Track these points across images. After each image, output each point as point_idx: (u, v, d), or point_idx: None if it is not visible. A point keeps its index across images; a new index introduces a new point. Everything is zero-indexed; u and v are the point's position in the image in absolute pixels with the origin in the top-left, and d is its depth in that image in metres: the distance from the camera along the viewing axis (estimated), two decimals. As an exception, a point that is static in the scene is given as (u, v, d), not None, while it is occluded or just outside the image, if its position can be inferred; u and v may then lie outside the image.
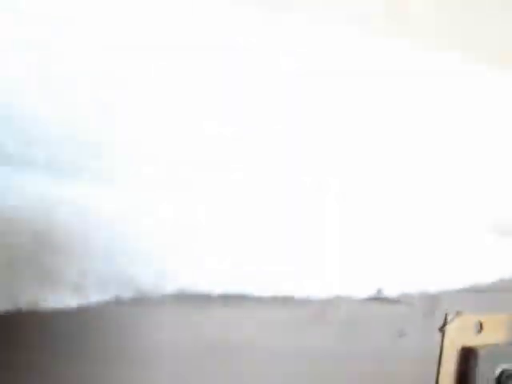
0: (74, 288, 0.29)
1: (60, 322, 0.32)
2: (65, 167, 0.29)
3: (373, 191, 0.33)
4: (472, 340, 0.41)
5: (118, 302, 0.32)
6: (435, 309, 0.40)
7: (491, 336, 0.41)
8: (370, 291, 0.33)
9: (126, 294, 0.31)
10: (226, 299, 0.35)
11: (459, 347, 0.40)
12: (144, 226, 0.29)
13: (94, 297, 0.30)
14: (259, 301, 0.36)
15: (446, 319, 0.40)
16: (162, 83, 0.29)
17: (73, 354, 0.33)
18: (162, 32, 0.29)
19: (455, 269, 0.36)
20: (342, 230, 0.32)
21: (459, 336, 0.40)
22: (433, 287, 0.35)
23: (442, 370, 0.40)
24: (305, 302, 0.37)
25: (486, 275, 0.38)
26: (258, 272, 0.30)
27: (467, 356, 0.40)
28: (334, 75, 0.32)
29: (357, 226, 0.33)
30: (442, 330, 0.40)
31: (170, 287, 0.29)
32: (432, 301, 0.39)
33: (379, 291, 0.33)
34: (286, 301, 0.36)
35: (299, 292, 0.31)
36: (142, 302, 0.34)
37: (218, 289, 0.30)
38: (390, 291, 0.33)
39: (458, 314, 0.40)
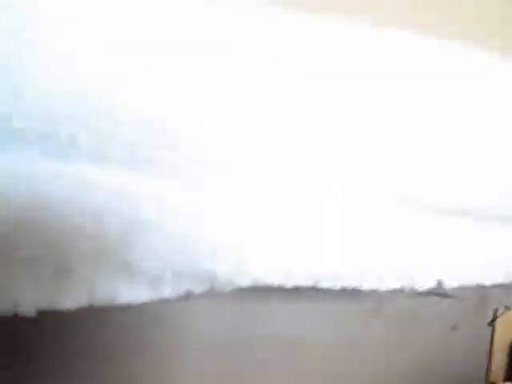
0: (151, 282, 0.30)
1: (107, 319, 0.33)
2: (143, 162, 0.29)
3: (428, 187, 0.34)
4: (521, 334, 0.42)
5: (186, 297, 0.33)
6: (485, 304, 0.40)
7: (539, 330, 0.42)
8: (430, 283, 0.34)
9: (198, 288, 0.31)
10: (287, 295, 0.36)
11: (508, 341, 0.41)
12: (221, 220, 0.29)
13: (167, 291, 0.31)
14: (318, 296, 0.37)
15: (495, 314, 0.40)
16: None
17: (126, 349, 0.33)
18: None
19: (506, 264, 0.37)
20: (404, 225, 0.33)
21: (508, 330, 0.41)
22: (487, 280, 0.36)
23: (493, 363, 0.41)
24: (363, 296, 0.38)
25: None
26: (328, 267, 0.31)
27: (516, 350, 0.41)
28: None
29: (419, 223, 0.34)
30: (491, 324, 0.40)
31: (245, 280, 0.30)
32: (482, 296, 0.40)
33: (439, 283, 0.34)
34: (345, 295, 0.37)
35: (366, 284, 0.32)
36: (203, 297, 0.34)
37: (290, 281, 0.30)
38: (449, 283, 0.34)
39: (507, 309, 0.41)
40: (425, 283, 0.34)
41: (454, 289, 0.39)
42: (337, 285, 0.31)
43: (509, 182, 0.35)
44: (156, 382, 0.34)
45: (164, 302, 0.33)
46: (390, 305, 0.38)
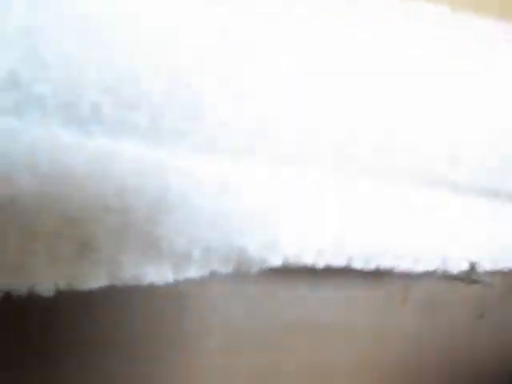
0: (177, 260, 0.29)
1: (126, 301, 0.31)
2: (168, 134, 0.28)
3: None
4: (548, 322, 0.40)
5: (211, 278, 0.31)
6: (512, 290, 0.39)
7: None
8: (463, 266, 0.32)
9: (225, 268, 0.30)
10: (313, 281, 0.35)
11: (536, 329, 0.40)
12: (253, 196, 0.28)
13: (193, 271, 0.30)
14: (344, 282, 0.35)
15: (523, 301, 0.39)
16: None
17: (146, 332, 0.32)
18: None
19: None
20: (438, 206, 0.32)
21: (536, 318, 0.40)
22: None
23: (520, 353, 0.40)
24: (389, 283, 0.36)
25: None
26: (362, 246, 0.29)
27: (544, 338, 0.40)
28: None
29: (453, 204, 0.32)
30: (519, 312, 0.39)
31: (276, 259, 0.28)
32: (510, 282, 0.39)
33: (472, 265, 0.33)
34: (371, 282, 0.36)
35: (401, 265, 0.30)
36: (228, 281, 0.33)
37: (322, 260, 0.29)
38: (483, 266, 0.33)
39: (534, 296, 0.40)
40: (458, 265, 0.32)
41: (482, 275, 0.38)
42: (371, 265, 0.30)
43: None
44: (177, 365, 0.33)
45: (188, 285, 0.32)
46: (415, 292, 0.37)
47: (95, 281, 0.29)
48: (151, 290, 0.31)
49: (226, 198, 0.28)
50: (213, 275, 0.31)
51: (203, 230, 0.27)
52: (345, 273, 0.35)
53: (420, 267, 0.31)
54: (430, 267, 0.31)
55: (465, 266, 0.32)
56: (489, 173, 0.33)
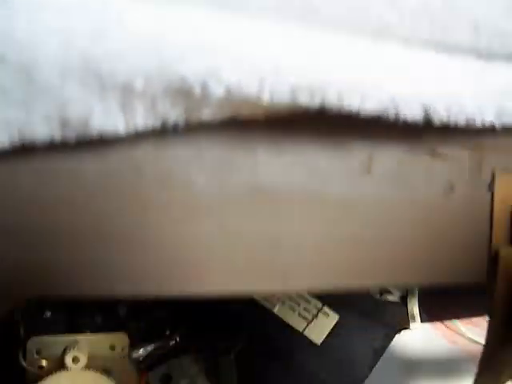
0: (122, 94, 0.29)
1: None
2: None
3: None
4: (523, 198, 0.40)
5: (161, 133, 0.32)
6: (482, 165, 0.39)
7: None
8: (416, 110, 0.32)
9: (173, 110, 0.30)
10: (274, 146, 0.35)
11: (510, 205, 0.39)
12: (191, 23, 0.29)
13: (140, 114, 0.30)
14: (301, 148, 0.35)
15: (493, 176, 0.39)
16: None
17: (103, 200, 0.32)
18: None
19: (497, 100, 0.35)
20: (388, 50, 0.32)
21: (509, 194, 0.39)
22: (478, 116, 0.34)
23: (495, 228, 0.39)
24: (350, 152, 0.36)
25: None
26: (305, 77, 0.30)
27: (519, 214, 0.39)
28: None
29: (405, 51, 0.33)
30: (490, 187, 0.39)
31: (218, 88, 0.29)
32: (479, 157, 0.39)
33: (426, 110, 0.32)
34: (332, 151, 0.36)
35: (348, 102, 0.31)
36: (186, 145, 0.34)
37: (266, 91, 0.29)
38: (437, 112, 0.33)
39: (505, 170, 0.39)
40: (410, 108, 0.32)
41: (447, 149, 0.38)
42: (315, 100, 0.30)
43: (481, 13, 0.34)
44: (141, 235, 0.33)
45: (144, 149, 0.33)
46: (379, 161, 0.37)
47: (45, 124, 0.30)
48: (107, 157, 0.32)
49: (162, 29, 0.28)
50: (164, 125, 0.31)
51: (142, 57, 0.28)
52: (306, 140, 0.36)
53: (368, 105, 0.31)
54: (379, 106, 0.31)
55: (418, 110, 0.32)
56: (432, 20, 0.33)
